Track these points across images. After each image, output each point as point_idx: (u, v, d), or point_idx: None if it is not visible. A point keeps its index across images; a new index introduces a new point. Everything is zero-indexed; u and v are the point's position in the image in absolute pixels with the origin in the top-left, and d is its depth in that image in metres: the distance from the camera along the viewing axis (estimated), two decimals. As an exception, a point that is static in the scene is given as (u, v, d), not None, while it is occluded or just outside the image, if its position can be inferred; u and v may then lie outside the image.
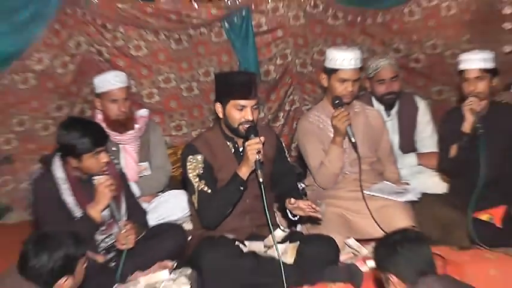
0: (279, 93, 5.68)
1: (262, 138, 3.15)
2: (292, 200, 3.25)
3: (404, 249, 2.40)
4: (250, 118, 3.21)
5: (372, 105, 4.29)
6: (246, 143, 3.15)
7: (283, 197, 3.37)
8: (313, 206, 3.24)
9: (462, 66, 3.69)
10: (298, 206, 3.23)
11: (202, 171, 3.28)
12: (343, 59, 3.70)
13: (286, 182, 3.51)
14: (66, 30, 5.08)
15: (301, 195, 3.52)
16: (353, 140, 3.62)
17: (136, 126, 4.11)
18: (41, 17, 4.96)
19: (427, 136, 4.41)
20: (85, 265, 2.55)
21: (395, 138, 4.35)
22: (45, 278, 2.40)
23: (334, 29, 5.55)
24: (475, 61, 3.63)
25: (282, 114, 5.73)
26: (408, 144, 4.42)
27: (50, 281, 2.41)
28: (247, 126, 3.20)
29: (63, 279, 2.43)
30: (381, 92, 4.33)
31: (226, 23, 5.37)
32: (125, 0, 5.16)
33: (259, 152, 3.09)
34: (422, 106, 4.47)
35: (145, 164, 4.15)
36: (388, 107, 4.36)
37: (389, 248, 2.44)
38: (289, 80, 5.68)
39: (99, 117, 4.05)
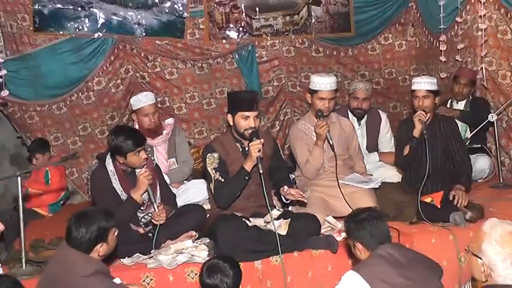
0: (276, 107, 5.59)
1: (262, 140, 3.10)
2: (285, 188, 3.20)
3: (368, 225, 2.32)
4: (253, 125, 3.16)
5: (348, 116, 4.22)
6: (250, 144, 3.10)
7: (278, 185, 3.31)
8: (301, 193, 3.21)
9: (413, 87, 3.60)
10: (290, 193, 3.18)
11: (217, 165, 3.21)
12: (322, 83, 3.64)
13: (280, 174, 3.41)
14: (118, 61, 5.07)
15: (292, 183, 3.43)
16: (331, 143, 3.56)
17: (164, 132, 4.03)
18: (101, 51, 4.99)
19: (386, 140, 4.33)
20: (116, 234, 2.44)
21: (363, 141, 4.28)
22: (85, 246, 2.31)
23: (316, 60, 5.52)
24: (423, 83, 3.55)
25: (277, 122, 5.63)
26: (373, 146, 4.33)
27: (89, 248, 2.33)
28: (250, 131, 3.14)
29: (98, 246, 2.34)
30: (352, 106, 4.26)
31: (236, 55, 5.34)
32: (162, 39, 5.15)
33: (259, 150, 3.05)
34: (384, 118, 4.38)
35: (172, 160, 4.05)
36: (359, 119, 4.28)
37: (357, 223, 2.36)
38: (283, 97, 5.59)
39: (136, 127, 3.97)
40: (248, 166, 3.12)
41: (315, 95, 3.67)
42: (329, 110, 3.69)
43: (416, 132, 3.49)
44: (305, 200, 3.29)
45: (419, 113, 3.50)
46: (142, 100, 3.90)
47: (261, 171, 3.00)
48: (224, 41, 5.28)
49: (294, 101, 5.59)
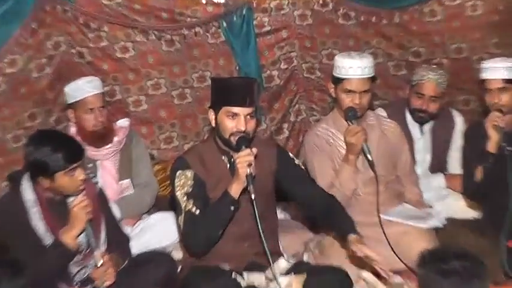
0: (284, 102, 5.63)
1: (254, 150, 3.08)
2: (354, 237, 3.17)
3: (457, 282, 2.21)
4: (243, 128, 3.14)
5: (404, 115, 4.31)
6: (236, 156, 3.08)
7: (328, 218, 3.39)
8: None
9: (484, 76, 3.65)
10: (365, 252, 3.09)
11: (191, 189, 3.20)
12: (349, 67, 3.69)
13: (309, 191, 3.43)
14: (43, 30, 4.98)
15: (355, 227, 3.32)
16: (370, 158, 3.57)
17: (115, 139, 4.06)
18: (15, 14, 4.86)
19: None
20: None
21: (426, 158, 4.34)
22: None
23: (345, 30, 5.48)
24: (498, 70, 3.58)
25: (286, 125, 5.67)
26: (440, 164, 4.39)
27: None
28: (238, 136, 3.14)
29: None
30: (414, 106, 4.33)
31: (224, 23, 5.31)
32: (111, -4, 5.15)
33: (250, 165, 3.01)
34: (459, 123, 4.45)
35: (126, 182, 4.09)
36: (422, 124, 4.35)
37: (440, 274, 2.26)
38: (294, 87, 5.63)
39: (72, 131, 4.00)
40: (234, 190, 3.08)
41: (340, 86, 3.72)
42: (362, 107, 3.72)
43: (491, 146, 3.51)
44: (387, 276, 3.15)
45: (494, 115, 3.51)
46: (85, 88, 3.95)
47: (252, 196, 2.96)
48: (205, 1, 5.27)
49: (311, 92, 5.63)
